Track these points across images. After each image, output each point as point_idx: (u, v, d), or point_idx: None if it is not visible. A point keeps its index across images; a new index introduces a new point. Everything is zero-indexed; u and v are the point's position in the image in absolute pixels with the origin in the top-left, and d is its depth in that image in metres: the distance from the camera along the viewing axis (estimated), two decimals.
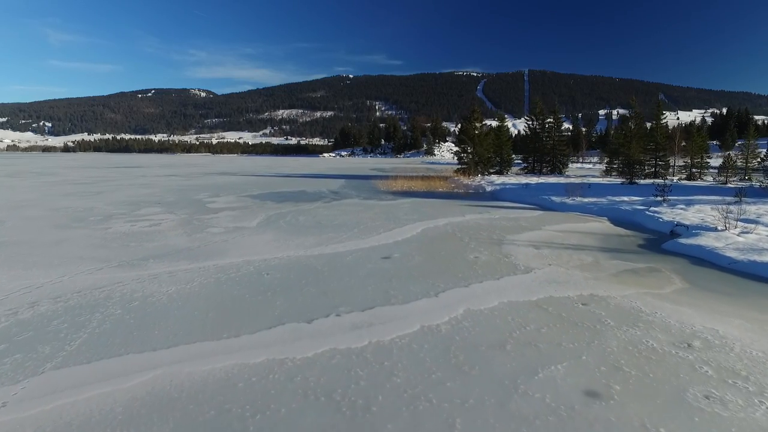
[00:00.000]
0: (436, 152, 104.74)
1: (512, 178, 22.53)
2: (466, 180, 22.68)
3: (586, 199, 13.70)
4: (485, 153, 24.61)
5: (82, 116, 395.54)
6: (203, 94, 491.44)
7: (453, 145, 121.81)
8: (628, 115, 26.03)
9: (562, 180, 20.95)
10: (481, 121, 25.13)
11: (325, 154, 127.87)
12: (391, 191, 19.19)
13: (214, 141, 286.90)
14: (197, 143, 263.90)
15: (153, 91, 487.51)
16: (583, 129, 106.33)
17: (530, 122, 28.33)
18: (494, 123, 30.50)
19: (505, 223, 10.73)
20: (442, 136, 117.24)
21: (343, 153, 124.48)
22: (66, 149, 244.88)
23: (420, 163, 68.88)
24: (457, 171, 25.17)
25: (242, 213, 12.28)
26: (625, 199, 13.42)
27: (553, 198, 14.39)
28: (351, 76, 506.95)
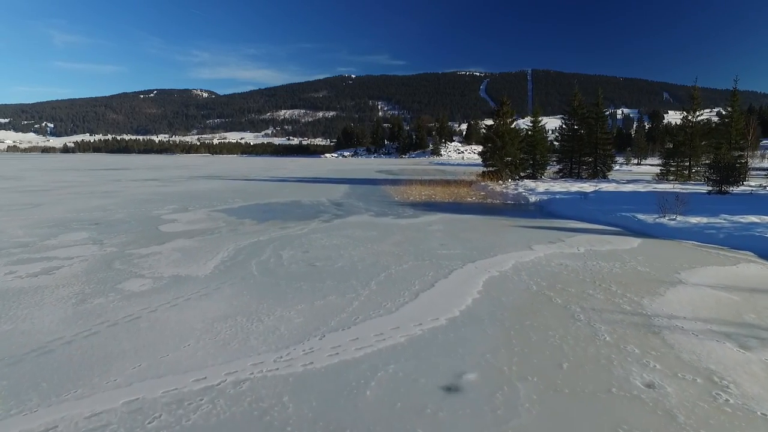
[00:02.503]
0: (442, 152, 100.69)
1: (554, 185, 18.49)
2: (496, 186, 18.68)
3: (692, 219, 9.68)
4: (517, 154, 20.60)
5: (84, 117, 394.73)
6: (205, 95, 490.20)
7: (460, 145, 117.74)
8: (678, 110, 21.89)
9: (622, 188, 16.88)
10: (511, 116, 21.10)
11: (327, 155, 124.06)
12: (408, 202, 15.22)
13: (216, 141, 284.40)
14: (198, 144, 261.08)
15: (155, 92, 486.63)
16: None
17: (566, 118, 24.12)
18: (526, 121, 26.38)
19: (607, 266, 6.74)
20: (448, 135, 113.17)
21: (346, 153, 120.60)
22: (65, 150, 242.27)
23: (428, 164, 64.86)
24: (483, 175, 21.19)
25: (201, 243, 8.34)
26: (754, 219, 9.39)
27: (639, 216, 10.39)
28: (353, 76, 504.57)
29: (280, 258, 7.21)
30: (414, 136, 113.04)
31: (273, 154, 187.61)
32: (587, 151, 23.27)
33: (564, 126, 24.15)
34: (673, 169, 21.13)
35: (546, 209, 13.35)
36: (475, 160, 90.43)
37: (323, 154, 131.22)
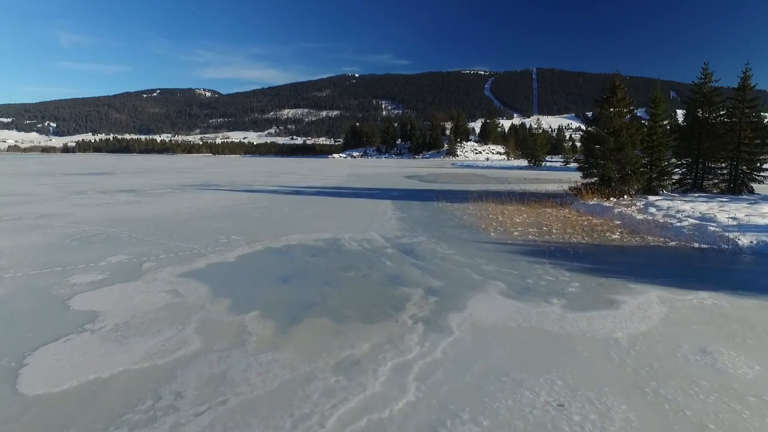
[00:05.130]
0: (458, 152, 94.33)
1: (738, 209, 12.18)
2: (626, 209, 12.45)
3: None
4: (638, 159, 14.23)
5: (87, 116, 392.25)
6: (208, 94, 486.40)
7: (477, 144, 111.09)
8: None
9: None
10: (627, 106, 14.64)
11: (335, 155, 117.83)
12: (519, 242, 9.07)
13: (219, 141, 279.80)
14: (200, 143, 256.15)
15: (158, 91, 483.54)
16: None
17: (689, 107, 17.49)
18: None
19: None
20: (464, 135, 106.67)
21: (355, 153, 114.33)
22: (66, 150, 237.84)
23: (451, 166, 58.60)
24: (585, 188, 14.80)
25: None
26: None
27: None
28: (357, 75, 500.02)
29: None
30: (428, 136, 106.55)
31: (277, 154, 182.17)
32: (723, 153, 16.60)
33: (685, 118, 17.49)
34: None
35: None
36: (499, 160, 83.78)
37: (330, 154, 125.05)
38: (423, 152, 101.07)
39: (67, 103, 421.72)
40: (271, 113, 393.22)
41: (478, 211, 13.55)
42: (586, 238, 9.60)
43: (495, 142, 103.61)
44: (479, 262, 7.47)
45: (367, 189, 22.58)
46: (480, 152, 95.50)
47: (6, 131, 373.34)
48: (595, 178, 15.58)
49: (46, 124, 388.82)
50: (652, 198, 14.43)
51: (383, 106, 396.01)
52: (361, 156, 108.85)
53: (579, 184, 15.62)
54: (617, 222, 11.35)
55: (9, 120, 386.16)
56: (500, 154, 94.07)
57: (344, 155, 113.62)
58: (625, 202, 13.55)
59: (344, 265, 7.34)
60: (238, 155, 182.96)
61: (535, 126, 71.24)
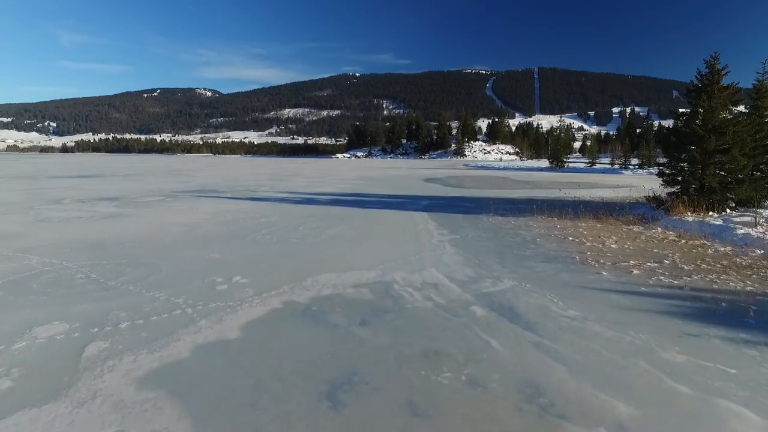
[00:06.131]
0: (467, 152, 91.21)
1: None
2: (748, 228, 9.49)
3: None
4: (747, 163, 11.20)
5: (87, 116, 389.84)
6: (209, 94, 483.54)
7: (485, 144, 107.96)
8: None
9: None
10: (732, 97, 11.59)
11: (339, 155, 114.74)
12: (652, 288, 6.12)
13: (219, 141, 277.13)
14: (200, 143, 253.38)
15: (158, 91, 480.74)
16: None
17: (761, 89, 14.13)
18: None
19: None
20: (472, 134, 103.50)
21: (359, 153, 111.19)
22: (64, 149, 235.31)
23: (463, 167, 55.59)
24: (681, 200, 11.76)
25: None
26: None
27: None
28: (358, 74, 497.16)
29: None
30: (435, 135, 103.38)
31: (279, 154, 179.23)
32: None
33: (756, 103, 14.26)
34: None
35: None
36: (512, 161, 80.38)
37: (334, 154, 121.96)
38: (429, 152, 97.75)
39: (68, 103, 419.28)
40: (272, 113, 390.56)
41: (547, 230, 10.59)
42: (747, 282, 6.63)
43: (504, 142, 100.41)
44: (645, 342, 4.50)
45: (389, 196, 19.61)
46: (489, 152, 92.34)
47: (6, 131, 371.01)
48: (677, 187, 12.61)
49: (46, 123, 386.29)
50: (766, 213, 11.45)
51: (384, 106, 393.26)
52: (366, 156, 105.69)
53: (663, 194, 12.65)
54: (759, 251, 8.36)
55: (9, 120, 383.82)
56: (510, 154, 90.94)
57: (348, 155, 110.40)
58: (738, 220, 10.56)
59: (422, 348, 4.36)
60: (238, 155, 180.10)
61: (557, 125, 68.16)
